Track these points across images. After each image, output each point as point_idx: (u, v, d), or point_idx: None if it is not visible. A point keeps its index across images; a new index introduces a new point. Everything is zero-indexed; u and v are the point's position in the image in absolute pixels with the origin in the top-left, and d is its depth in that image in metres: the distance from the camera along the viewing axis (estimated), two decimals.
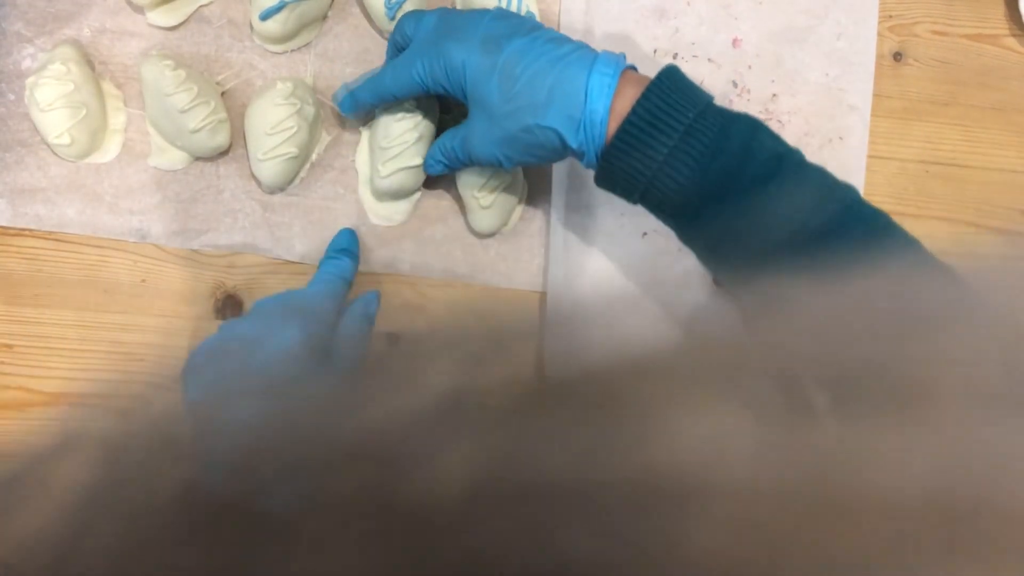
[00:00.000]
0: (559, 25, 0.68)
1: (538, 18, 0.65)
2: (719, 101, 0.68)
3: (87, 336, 0.61)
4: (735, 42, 0.70)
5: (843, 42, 0.71)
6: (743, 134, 0.51)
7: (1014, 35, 0.75)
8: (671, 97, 0.51)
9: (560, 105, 0.52)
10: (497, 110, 0.53)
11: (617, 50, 0.67)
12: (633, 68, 0.54)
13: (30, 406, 0.61)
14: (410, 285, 0.65)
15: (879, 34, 0.72)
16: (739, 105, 0.70)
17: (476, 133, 0.55)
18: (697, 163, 0.50)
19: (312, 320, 0.51)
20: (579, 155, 0.54)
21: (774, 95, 0.70)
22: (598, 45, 0.67)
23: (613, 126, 0.51)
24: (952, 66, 0.74)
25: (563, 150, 0.54)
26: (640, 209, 0.67)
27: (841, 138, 0.71)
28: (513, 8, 0.63)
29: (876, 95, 0.72)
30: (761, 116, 0.69)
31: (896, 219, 0.71)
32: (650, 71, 0.68)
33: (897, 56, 0.73)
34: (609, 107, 0.51)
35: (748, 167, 0.50)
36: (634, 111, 0.50)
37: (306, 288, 0.57)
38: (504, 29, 0.53)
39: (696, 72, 0.69)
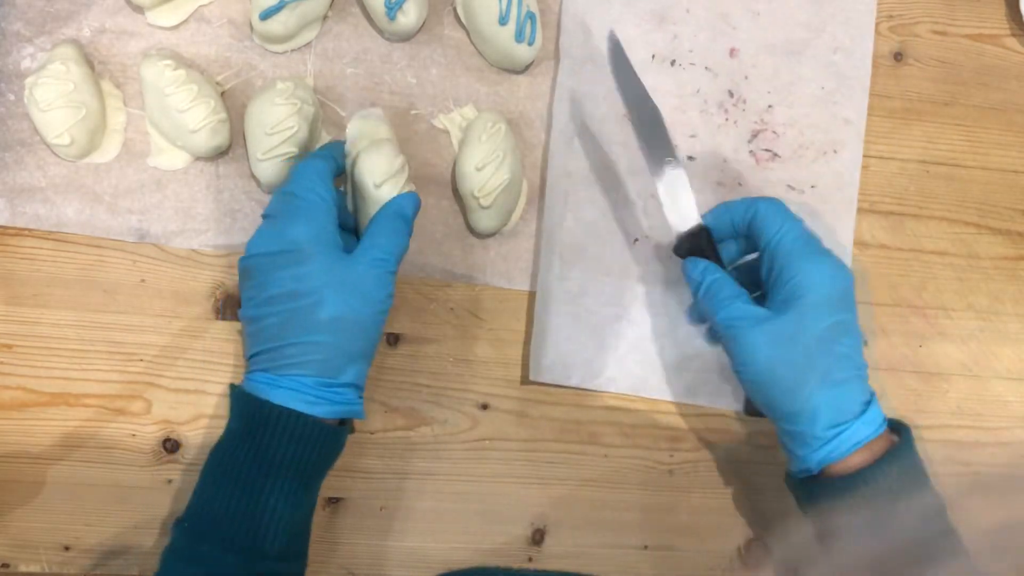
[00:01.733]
0: (559, 26, 0.68)
1: (537, 18, 0.65)
2: (715, 110, 0.69)
3: (86, 336, 0.61)
4: (732, 52, 0.70)
5: (839, 56, 0.71)
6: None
7: (1014, 35, 0.75)
8: (911, 468, 0.55)
9: (845, 396, 0.54)
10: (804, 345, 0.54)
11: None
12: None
13: (30, 406, 0.61)
14: (410, 285, 0.65)
15: (880, 34, 0.72)
16: (735, 115, 0.70)
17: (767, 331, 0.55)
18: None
19: (312, 213, 0.54)
20: (800, 453, 0.55)
21: (769, 106, 0.70)
22: (596, 47, 0.68)
23: (852, 462, 0.54)
24: (952, 66, 0.74)
25: (801, 419, 0.55)
26: (631, 215, 0.67)
27: (836, 151, 0.71)
28: (513, 8, 0.63)
29: (877, 95, 0.72)
30: (756, 127, 0.70)
31: (897, 219, 0.72)
32: (647, 76, 0.68)
33: (897, 56, 0.73)
34: (868, 441, 0.54)
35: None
36: (891, 468, 0.53)
37: (290, 183, 0.56)
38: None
39: (693, 80, 0.69)
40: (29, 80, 0.59)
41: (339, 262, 0.53)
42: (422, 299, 0.65)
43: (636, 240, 0.68)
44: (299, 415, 0.52)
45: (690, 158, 0.69)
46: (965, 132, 0.73)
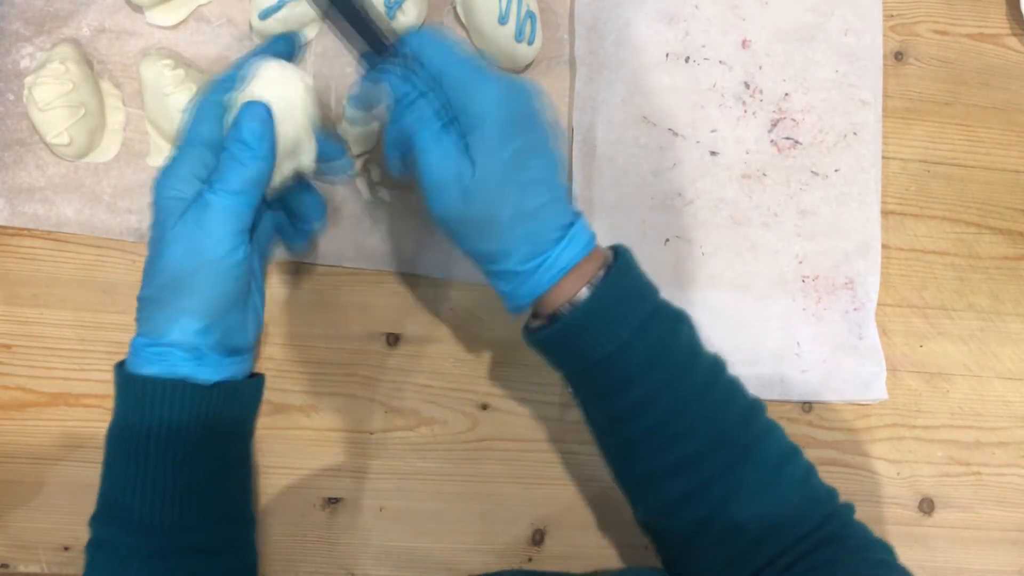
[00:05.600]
0: (571, 31, 0.68)
1: (537, 18, 0.65)
2: (732, 103, 0.69)
3: (86, 336, 0.61)
4: (744, 43, 0.70)
5: (850, 37, 0.71)
6: (689, 334, 0.53)
7: (1015, 35, 0.75)
8: (635, 280, 0.52)
9: (541, 225, 0.50)
10: (492, 167, 0.49)
11: (629, 54, 0.68)
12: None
13: (29, 406, 0.61)
14: (410, 285, 0.65)
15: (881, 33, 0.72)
16: (752, 106, 0.70)
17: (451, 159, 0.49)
18: (652, 352, 0.50)
19: None
20: (506, 289, 0.51)
21: (786, 94, 0.70)
22: (610, 51, 0.68)
23: (567, 289, 0.50)
24: (953, 66, 0.73)
25: (498, 257, 0.50)
26: (662, 216, 0.67)
27: (856, 133, 0.71)
28: (513, 8, 0.63)
29: None
30: (775, 115, 0.69)
31: (898, 219, 0.72)
32: (663, 75, 0.68)
33: (899, 56, 0.73)
34: (575, 263, 0.50)
35: (695, 371, 0.52)
36: (607, 281, 0.50)
37: None
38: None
39: (708, 75, 0.69)
40: (28, 79, 0.59)
41: None
42: (422, 299, 0.65)
43: (667, 240, 0.68)
44: (155, 381, 0.49)
45: (712, 153, 0.69)
46: (966, 132, 0.73)
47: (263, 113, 0.49)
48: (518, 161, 0.49)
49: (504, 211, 0.49)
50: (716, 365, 0.53)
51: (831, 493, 0.53)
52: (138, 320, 0.50)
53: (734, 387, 0.53)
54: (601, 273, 0.50)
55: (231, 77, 0.51)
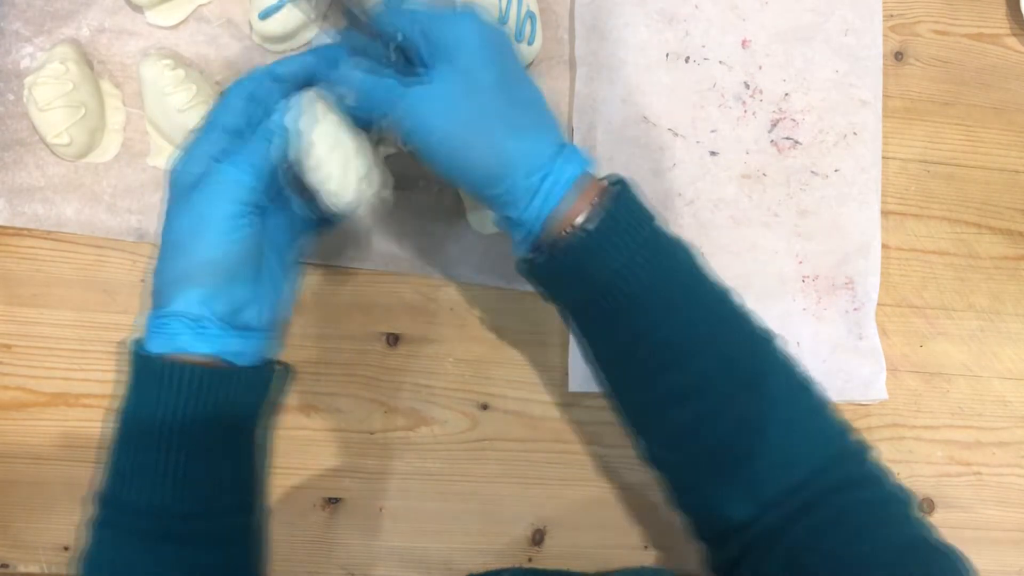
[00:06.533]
0: (571, 31, 0.68)
1: (537, 18, 0.65)
2: (732, 103, 0.69)
3: (86, 336, 0.61)
4: (744, 43, 0.70)
5: (850, 38, 0.71)
6: (691, 258, 0.52)
7: (1015, 35, 0.75)
8: (635, 204, 0.51)
9: (536, 139, 0.50)
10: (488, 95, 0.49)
11: (629, 54, 0.68)
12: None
13: (30, 406, 0.61)
14: (410, 285, 0.65)
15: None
16: (752, 106, 0.70)
17: (439, 100, 0.49)
18: (655, 273, 0.50)
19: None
20: (514, 214, 0.51)
21: (786, 94, 0.70)
22: (611, 51, 0.68)
23: (569, 215, 0.49)
24: (953, 65, 0.73)
25: (501, 175, 0.50)
26: (662, 216, 0.67)
27: (856, 134, 0.71)
28: (513, 8, 0.63)
29: None
30: (775, 116, 0.69)
31: (898, 219, 0.72)
32: (663, 75, 0.68)
33: (898, 56, 0.73)
34: (575, 178, 0.50)
35: (700, 293, 0.51)
36: (606, 203, 0.49)
37: None
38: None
39: (708, 75, 0.69)
40: (28, 80, 0.59)
41: None
42: (422, 299, 0.65)
43: None
44: (169, 363, 0.48)
45: (712, 153, 0.69)
46: (966, 132, 0.73)
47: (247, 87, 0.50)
48: (505, 81, 0.50)
49: (499, 127, 0.49)
50: (722, 290, 0.52)
51: (844, 427, 0.51)
52: (151, 296, 0.50)
53: (742, 314, 0.52)
54: (600, 198, 0.50)
55: (263, 73, 0.52)
